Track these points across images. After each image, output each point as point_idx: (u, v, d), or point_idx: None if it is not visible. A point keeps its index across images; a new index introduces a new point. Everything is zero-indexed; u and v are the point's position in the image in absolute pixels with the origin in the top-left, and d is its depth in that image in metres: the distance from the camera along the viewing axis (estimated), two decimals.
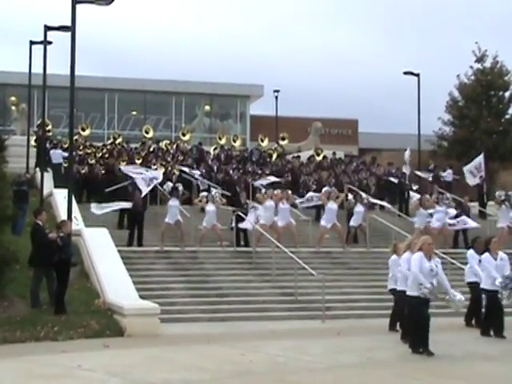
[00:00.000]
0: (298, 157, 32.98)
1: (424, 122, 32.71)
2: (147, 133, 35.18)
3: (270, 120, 44.03)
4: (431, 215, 23.24)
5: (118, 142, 32.79)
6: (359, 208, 23.03)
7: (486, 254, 14.63)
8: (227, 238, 21.90)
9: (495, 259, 14.49)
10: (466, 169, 28.92)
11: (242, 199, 22.80)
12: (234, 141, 36.04)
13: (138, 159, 28.95)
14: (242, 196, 23.07)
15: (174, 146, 33.00)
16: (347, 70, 76.99)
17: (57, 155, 27.80)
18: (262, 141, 35.63)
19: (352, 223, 23.00)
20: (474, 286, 15.18)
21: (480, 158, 28.72)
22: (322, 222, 22.57)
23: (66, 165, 25.82)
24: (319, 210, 25.27)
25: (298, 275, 17.87)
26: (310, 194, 25.23)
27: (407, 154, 29.02)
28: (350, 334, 14.76)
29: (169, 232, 21.40)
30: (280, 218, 22.01)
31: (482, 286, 14.60)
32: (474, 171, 28.59)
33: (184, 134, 35.74)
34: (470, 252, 15.67)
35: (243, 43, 79.56)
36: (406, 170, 28.98)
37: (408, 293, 12.48)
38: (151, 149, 31.43)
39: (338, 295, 18.09)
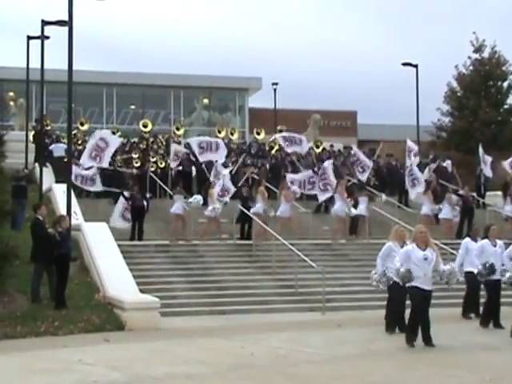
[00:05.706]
0: None
1: (423, 113, 32.75)
2: (145, 127, 34.89)
3: (269, 113, 43.96)
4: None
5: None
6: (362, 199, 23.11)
7: (485, 241, 14.56)
8: (227, 230, 21.91)
9: (494, 246, 14.43)
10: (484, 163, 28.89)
11: (244, 193, 22.79)
12: (232, 134, 35.75)
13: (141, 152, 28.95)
14: (244, 190, 23.03)
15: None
16: (346, 62, 76.94)
17: (59, 149, 27.56)
18: (258, 134, 35.35)
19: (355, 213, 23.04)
20: (471, 276, 14.93)
21: (481, 151, 28.84)
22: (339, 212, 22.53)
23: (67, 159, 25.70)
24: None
25: (298, 267, 17.89)
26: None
27: (410, 144, 28.65)
28: (351, 325, 14.79)
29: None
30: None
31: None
32: (486, 163, 28.72)
33: (178, 129, 35.31)
34: (465, 240, 15.53)
35: (241, 36, 79.56)
36: (414, 161, 28.65)
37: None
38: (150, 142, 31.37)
39: (338, 287, 18.10)
